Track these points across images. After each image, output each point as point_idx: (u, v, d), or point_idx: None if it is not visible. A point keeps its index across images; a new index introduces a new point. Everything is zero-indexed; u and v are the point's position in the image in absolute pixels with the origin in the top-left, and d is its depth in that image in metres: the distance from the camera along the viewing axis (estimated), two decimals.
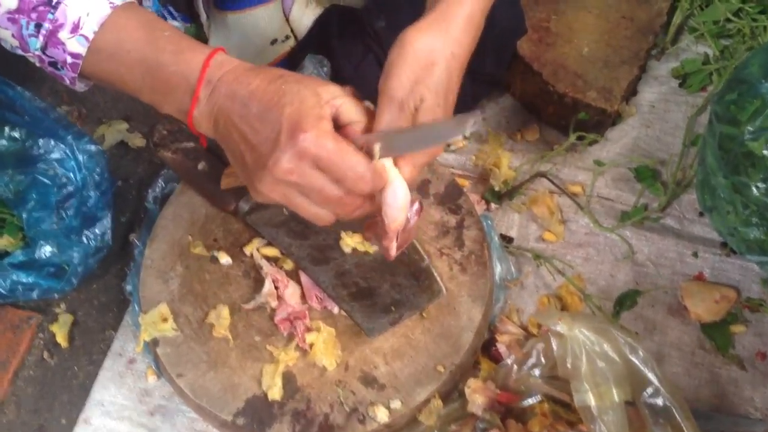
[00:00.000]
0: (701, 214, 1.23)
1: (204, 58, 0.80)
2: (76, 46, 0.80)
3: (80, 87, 0.87)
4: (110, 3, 0.81)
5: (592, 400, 0.92)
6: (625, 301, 1.16)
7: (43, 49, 0.81)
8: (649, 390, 0.93)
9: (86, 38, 0.79)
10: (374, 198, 0.82)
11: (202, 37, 1.38)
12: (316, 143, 0.75)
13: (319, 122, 0.76)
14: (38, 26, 0.79)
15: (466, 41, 0.85)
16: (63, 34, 0.79)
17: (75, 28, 0.79)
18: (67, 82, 0.85)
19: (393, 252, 0.86)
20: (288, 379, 1.02)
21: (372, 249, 1.08)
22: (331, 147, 0.76)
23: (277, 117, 0.76)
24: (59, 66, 0.82)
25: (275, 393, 1.01)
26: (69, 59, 0.80)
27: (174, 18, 1.43)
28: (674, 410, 0.92)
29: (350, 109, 0.80)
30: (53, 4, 0.79)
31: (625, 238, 1.21)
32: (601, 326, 0.96)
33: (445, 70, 0.83)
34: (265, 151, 0.77)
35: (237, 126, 0.79)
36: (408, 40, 0.83)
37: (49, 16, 0.78)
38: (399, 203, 0.81)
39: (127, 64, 0.81)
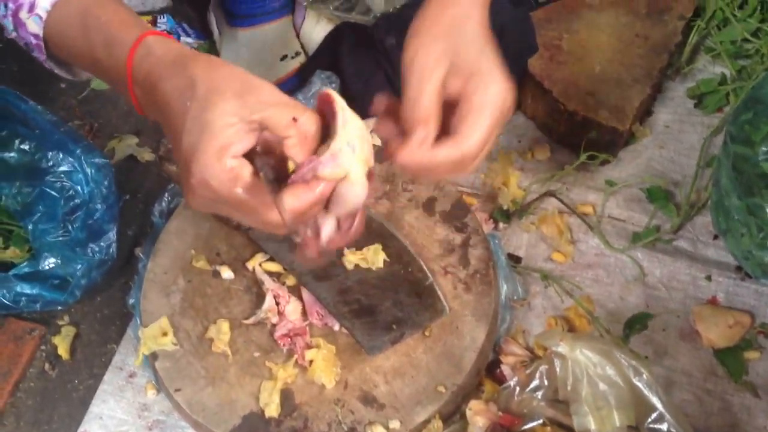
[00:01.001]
0: (716, 237, 1.20)
1: (127, 53, 0.73)
2: (33, 26, 0.77)
3: (59, 70, 0.83)
4: None
5: (592, 424, 0.90)
6: (635, 324, 1.13)
7: (16, 30, 0.79)
8: (654, 415, 0.91)
9: (41, 18, 0.76)
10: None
11: (214, 53, 1.39)
12: (208, 187, 0.67)
13: (218, 159, 0.66)
14: (5, 6, 0.78)
15: None
16: (23, 14, 0.76)
17: (31, 8, 0.76)
18: (45, 65, 0.82)
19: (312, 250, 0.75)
20: (286, 396, 1.01)
21: (375, 266, 1.07)
22: (226, 194, 0.68)
23: (179, 144, 0.68)
24: (30, 48, 0.79)
25: (272, 410, 0.99)
26: (32, 40, 0.78)
27: (188, 35, 1.44)
28: None
29: (277, 124, 0.68)
30: None
31: (637, 260, 1.18)
32: (604, 348, 0.93)
33: (478, 23, 0.77)
34: (180, 169, 0.71)
35: (164, 130, 0.73)
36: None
37: None
38: (349, 205, 0.73)
39: (74, 55, 0.77)
